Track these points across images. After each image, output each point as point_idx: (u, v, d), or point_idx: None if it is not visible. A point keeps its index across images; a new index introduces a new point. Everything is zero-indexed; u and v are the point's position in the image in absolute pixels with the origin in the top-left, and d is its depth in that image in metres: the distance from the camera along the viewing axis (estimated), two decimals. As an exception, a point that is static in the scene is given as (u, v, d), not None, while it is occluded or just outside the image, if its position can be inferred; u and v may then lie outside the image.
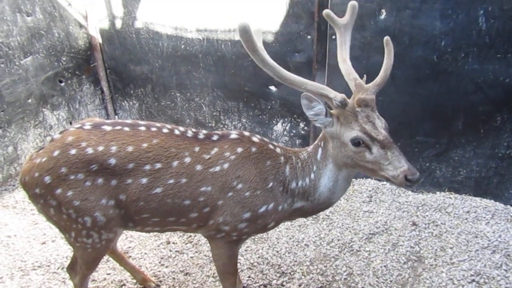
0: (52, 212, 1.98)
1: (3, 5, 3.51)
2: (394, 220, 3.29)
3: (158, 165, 1.93)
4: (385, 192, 3.64)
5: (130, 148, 1.91)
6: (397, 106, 3.45)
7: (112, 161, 1.88)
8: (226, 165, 1.98)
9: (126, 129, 1.97)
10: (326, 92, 1.94)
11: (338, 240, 3.10)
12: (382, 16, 3.22)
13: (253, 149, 2.05)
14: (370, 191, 3.66)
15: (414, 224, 3.23)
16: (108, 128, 1.96)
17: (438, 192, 3.58)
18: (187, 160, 1.97)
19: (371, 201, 3.53)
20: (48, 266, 2.92)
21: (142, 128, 2.00)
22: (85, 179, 1.88)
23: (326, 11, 2.15)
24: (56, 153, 1.88)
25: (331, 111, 1.96)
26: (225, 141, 2.06)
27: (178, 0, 3.91)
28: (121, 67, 4.60)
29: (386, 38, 2.07)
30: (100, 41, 4.59)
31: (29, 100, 3.91)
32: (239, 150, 2.03)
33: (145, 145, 1.94)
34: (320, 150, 2.08)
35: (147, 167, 1.92)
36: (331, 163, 2.03)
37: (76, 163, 1.87)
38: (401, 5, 3.14)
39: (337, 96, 1.91)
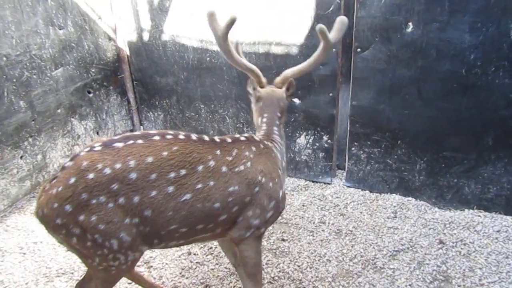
0: (74, 241, 1.91)
1: (37, 19, 3.65)
2: (420, 237, 3.19)
3: (183, 171, 1.95)
4: (410, 208, 3.54)
5: (149, 159, 1.91)
6: (424, 120, 3.38)
7: (133, 175, 1.86)
8: (248, 164, 2.15)
9: (140, 141, 1.96)
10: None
11: (361, 256, 3.02)
12: (409, 29, 3.18)
13: (261, 146, 2.32)
14: (394, 206, 3.57)
15: (441, 242, 3.12)
16: (120, 144, 1.93)
17: (466, 210, 3.46)
18: (212, 163, 2.04)
19: (395, 217, 3.45)
20: (72, 273, 2.96)
21: (156, 138, 2.00)
22: (107, 201, 1.85)
23: (320, 27, 2.32)
24: (72, 180, 1.83)
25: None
26: (239, 142, 2.24)
27: (204, 14, 3.97)
28: (147, 79, 4.70)
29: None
30: (128, 53, 4.71)
31: (59, 110, 4.02)
32: (254, 148, 2.25)
33: (165, 153, 1.94)
34: (280, 125, 2.58)
35: (172, 174, 1.93)
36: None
37: (96, 186, 1.83)
38: (429, 18, 3.09)
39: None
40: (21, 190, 3.76)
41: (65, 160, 4.15)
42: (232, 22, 2.32)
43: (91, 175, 1.83)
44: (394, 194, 3.72)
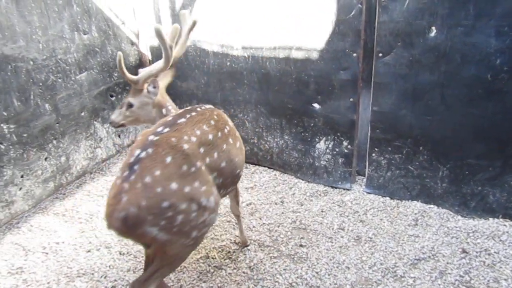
0: (178, 221, 1.96)
1: (63, 24, 3.75)
2: (442, 246, 3.11)
3: (220, 133, 2.45)
4: (432, 216, 3.47)
5: (204, 126, 2.36)
6: (447, 126, 3.31)
7: (210, 136, 2.34)
8: (228, 126, 2.60)
9: (189, 115, 2.41)
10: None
11: (381, 264, 2.97)
12: (432, 34, 3.13)
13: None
14: (416, 214, 3.50)
15: (464, 251, 3.04)
16: (182, 120, 2.32)
17: (491, 219, 3.36)
18: (226, 128, 2.56)
19: (416, 224, 3.38)
20: (92, 274, 3.01)
21: (193, 114, 2.44)
22: (201, 164, 2.17)
23: (157, 27, 2.59)
24: (169, 159, 2.01)
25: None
26: (212, 110, 2.60)
27: (225, 19, 4.01)
28: (168, 84, 4.75)
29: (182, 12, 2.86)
30: (150, 57, 4.78)
31: (82, 113, 4.11)
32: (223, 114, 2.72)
33: (208, 122, 2.43)
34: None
35: (219, 134, 2.44)
36: None
37: (192, 154, 2.12)
38: (453, 23, 3.03)
39: None
40: (45, 191, 3.85)
41: (88, 162, 4.24)
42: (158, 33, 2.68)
43: (185, 146, 2.13)
44: (415, 201, 3.65)
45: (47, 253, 3.25)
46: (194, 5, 4.15)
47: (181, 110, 2.58)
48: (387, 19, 3.24)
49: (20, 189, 3.58)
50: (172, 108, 2.98)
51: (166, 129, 2.20)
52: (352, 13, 3.35)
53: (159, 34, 2.59)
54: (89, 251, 3.25)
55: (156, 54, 4.69)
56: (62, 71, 3.81)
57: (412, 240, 3.20)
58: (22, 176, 3.57)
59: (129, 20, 4.57)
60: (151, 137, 2.12)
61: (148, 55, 4.78)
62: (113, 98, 4.49)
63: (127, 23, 4.53)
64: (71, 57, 3.89)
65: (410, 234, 3.25)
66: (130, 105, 2.91)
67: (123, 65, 2.71)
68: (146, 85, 2.88)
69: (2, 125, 3.31)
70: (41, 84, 3.61)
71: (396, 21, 3.22)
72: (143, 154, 2.00)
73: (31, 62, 3.48)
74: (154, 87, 2.87)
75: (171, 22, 4.37)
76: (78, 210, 3.78)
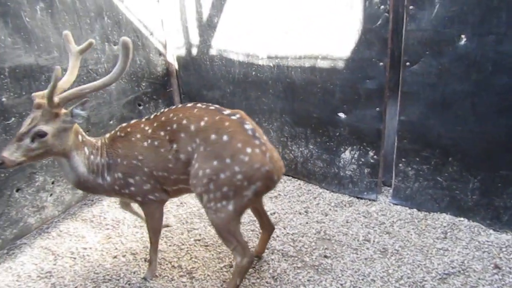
0: None
1: (94, 35, 3.87)
2: (473, 260, 3.01)
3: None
4: (462, 229, 3.36)
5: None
6: (478, 136, 3.21)
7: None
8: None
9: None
10: None
11: (408, 278, 2.89)
12: (462, 42, 3.06)
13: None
14: (445, 226, 3.40)
15: (496, 267, 2.92)
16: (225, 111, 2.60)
17: (525, 233, 3.23)
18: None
19: (446, 237, 3.28)
20: (118, 280, 3.06)
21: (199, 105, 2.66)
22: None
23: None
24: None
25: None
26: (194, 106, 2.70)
27: (250, 29, 4.05)
28: (194, 92, 4.83)
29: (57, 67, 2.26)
30: (177, 67, 4.87)
31: (111, 122, 4.21)
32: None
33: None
34: None
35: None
36: None
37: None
38: (484, 31, 2.96)
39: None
40: (74, 197, 3.95)
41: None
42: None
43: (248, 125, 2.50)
44: (444, 214, 3.54)
45: (75, 258, 3.32)
46: (220, 15, 4.21)
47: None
48: (415, 28, 3.20)
49: (51, 195, 3.68)
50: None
51: (226, 111, 2.59)
52: (379, 22, 3.32)
53: (126, 47, 2.35)
54: (115, 257, 3.30)
55: (183, 64, 4.78)
56: (92, 80, 3.91)
57: (441, 253, 3.10)
58: (53, 183, 3.68)
59: (157, 31, 4.68)
60: (233, 116, 2.53)
61: (175, 65, 4.87)
62: (141, 107, 4.59)
63: (155, 34, 4.64)
64: (101, 67, 4.00)
65: (438, 248, 3.16)
66: (40, 135, 2.33)
67: (56, 82, 2.28)
68: (62, 109, 2.43)
69: (35, 132, 3.43)
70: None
71: (424, 30, 3.17)
72: (249, 126, 2.48)
73: (64, 72, 3.60)
74: (83, 110, 2.43)
75: (198, 32, 4.45)
76: (105, 217, 3.86)
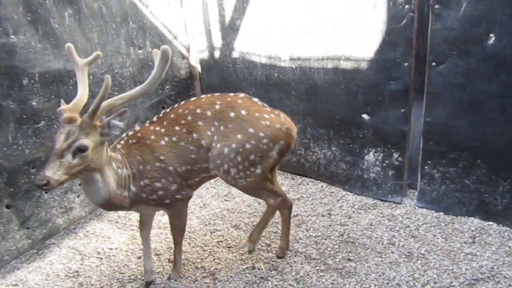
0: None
1: (120, 40, 3.96)
2: (503, 266, 2.91)
3: None
4: (491, 233, 3.26)
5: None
6: (508, 138, 3.12)
7: None
8: None
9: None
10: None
11: (435, 283, 2.82)
12: (490, 41, 2.98)
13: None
14: (473, 231, 3.31)
15: (528, 273, 2.82)
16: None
17: (559, 239, 3.11)
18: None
19: (474, 242, 3.19)
20: (142, 280, 3.10)
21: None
22: None
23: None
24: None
25: None
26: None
27: (273, 31, 4.06)
28: (217, 95, 4.86)
29: (106, 76, 2.21)
30: (200, 70, 4.93)
31: (136, 124, 4.29)
32: None
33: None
34: None
35: None
36: None
37: None
38: (513, 29, 2.87)
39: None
40: (100, 198, 4.04)
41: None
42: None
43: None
44: (472, 218, 3.45)
45: (101, 258, 3.39)
46: (242, 18, 4.23)
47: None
48: (441, 27, 3.13)
49: (78, 196, 3.78)
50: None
51: (231, 94, 2.88)
52: (404, 21, 3.27)
53: (166, 55, 2.35)
54: (139, 257, 3.36)
55: (206, 67, 4.82)
56: (118, 84, 4.01)
57: (469, 258, 3.02)
58: (79, 184, 3.77)
59: (181, 35, 4.74)
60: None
61: (198, 68, 4.92)
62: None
63: (178, 38, 4.71)
64: (126, 71, 4.09)
65: (466, 253, 3.07)
66: (81, 149, 2.19)
67: (107, 90, 2.21)
68: (98, 120, 2.32)
69: (63, 135, 3.53)
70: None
71: (450, 29, 3.10)
72: (257, 99, 2.84)
73: (91, 77, 3.70)
74: (121, 121, 2.33)
75: (220, 35, 4.49)
76: (130, 218, 3.93)
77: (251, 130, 2.62)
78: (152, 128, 2.70)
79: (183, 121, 2.67)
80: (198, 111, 2.69)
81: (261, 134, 2.63)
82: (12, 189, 3.19)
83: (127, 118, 2.34)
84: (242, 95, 2.84)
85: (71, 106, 2.36)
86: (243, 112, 2.66)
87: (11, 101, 3.11)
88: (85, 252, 3.48)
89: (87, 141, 2.21)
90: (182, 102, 2.84)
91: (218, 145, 2.62)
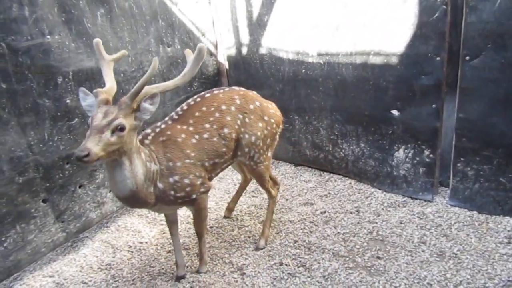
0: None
1: (150, 38, 4.03)
2: (541, 268, 2.81)
3: None
4: (528, 233, 3.14)
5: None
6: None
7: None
8: None
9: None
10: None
11: (468, 283, 2.75)
12: (528, 34, 2.86)
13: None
14: (508, 231, 3.20)
15: None
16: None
17: None
18: None
19: (510, 242, 3.08)
20: (172, 273, 3.17)
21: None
22: None
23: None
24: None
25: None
26: None
27: (300, 27, 4.03)
28: (244, 91, 4.88)
29: (154, 58, 2.32)
30: (227, 67, 4.95)
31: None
32: None
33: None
34: None
35: None
36: None
37: None
38: (554, 20, 2.75)
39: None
40: (131, 193, 4.13)
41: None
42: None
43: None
44: (508, 217, 3.33)
45: (132, 252, 3.48)
46: (270, 14, 4.22)
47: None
48: (476, 20, 3.03)
49: (110, 191, 3.88)
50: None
51: (237, 87, 3.21)
52: (436, 14, 3.18)
53: (201, 52, 2.60)
54: (169, 251, 3.42)
55: (233, 64, 4.84)
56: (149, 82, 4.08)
57: (505, 259, 2.92)
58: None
59: (209, 32, 4.78)
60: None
61: (226, 64, 4.95)
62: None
63: (206, 35, 4.74)
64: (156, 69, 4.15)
65: (502, 253, 2.98)
66: (120, 128, 2.24)
67: (153, 72, 2.31)
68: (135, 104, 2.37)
69: (96, 132, 3.63)
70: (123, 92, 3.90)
71: (486, 22, 2.99)
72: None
73: (122, 75, 3.78)
74: (152, 104, 2.39)
75: (248, 32, 4.50)
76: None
77: (266, 117, 3.06)
78: (179, 126, 2.78)
79: (211, 119, 2.85)
80: (223, 107, 2.91)
81: (272, 120, 3.11)
82: (48, 184, 3.31)
83: (158, 102, 2.38)
84: (237, 88, 3.15)
85: (107, 90, 2.42)
86: (257, 103, 3.06)
87: (46, 99, 3.22)
88: (117, 245, 3.58)
89: (124, 122, 2.25)
90: (198, 99, 2.96)
91: (246, 136, 2.96)
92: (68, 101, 3.36)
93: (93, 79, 3.54)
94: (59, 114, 3.32)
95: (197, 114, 2.84)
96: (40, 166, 3.23)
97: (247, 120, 2.97)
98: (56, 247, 3.51)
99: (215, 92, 3.02)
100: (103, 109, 2.27)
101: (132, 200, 2.50)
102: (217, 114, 2.87)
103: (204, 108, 2.88)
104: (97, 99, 2.34)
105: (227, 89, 3.10)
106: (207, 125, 2.82)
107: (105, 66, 2.60)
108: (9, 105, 2.98)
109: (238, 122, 2.93)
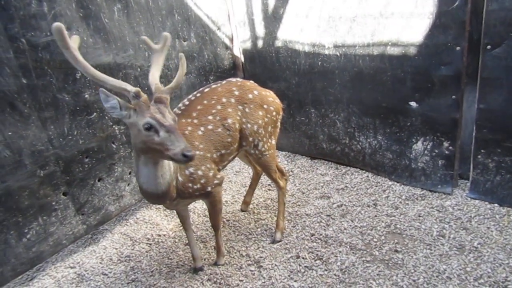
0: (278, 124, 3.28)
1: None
2: None
3: None
4: (552, 227, 3.06)
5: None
6: None
7: None
8: None
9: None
10: (125, 86, 2.27)
11: (489, 277, 2.70)
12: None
13: None
14: (531, 224, 3.13)
15: None
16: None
17: None
18: None
19: (533, 236, 3.01)
20: (190, 265, 3.20)
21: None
22: None
23: (143, 38, 2.65)
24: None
25: (130, 104, 2.27)
26: None
27: (316, 19, 3.99)
28: (260, 84, 4.85)
29: (180, 54, 2.45)
30: (243, 60, 4.95)
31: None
32: None
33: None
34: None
35: None
36: (134, 151, 2.40)
37: None
38: None
39: (132, 89, 2.25)
40: (149, 186, 4.18)
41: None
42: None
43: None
44: (530, 210, 3.26)
45: (150, 244, 3.53)
46: (285, 6, 4.19)
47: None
48: (497, 8, 2.95)
49: (128, 184, 3.94)
50: None
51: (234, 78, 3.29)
52: (456, 3, 3.11)
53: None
54: (186, 244, 3.46)
55: (249, 57, 4.84)
56: (164, 76, 4.11)
57: (527, 252, 2.86)
58: (130, 173, 3.93)
59: (225, 25, 4.78)
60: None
61: (241, 58, 4.95)
62: (209, 100, 4.73)
63: (222, 28, 4.75)
64: (172, 63, 4.18)
65: (524, 246, 2.91)
66: None
67: (184, 71, 2.41)
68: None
69: (114, 126, 3.68)
70: (146, 88, 3.93)
71: (508, 9, 2.91)
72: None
73: (139, 69, 3.82)
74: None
75: (263, 25, 4.48)
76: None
77: (265, 106, 3.11)
78: (184, 120, 2.81)
79: (213, 111, 2.91)
80: (224, 100, 2.97)
81: (272, 108, 3.16)
82: (68, 178, 3.38)
83: None
84: (234, 79, 3.22)
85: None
86: (255, 92, 3.11)
87: (66, 94, 3.27)
88: (135, 238, 3.64)
89: None
90: (198, 94, 3.02)
91: (249, 125, 3.02)
92: (86, 95, 3.41)
93: (110, 74, 3.57)
94: (78, 108, 3.37)
95: (199, 107, 2.90)
96: (60, 159, 3.30)
97: (247, 110, 3.02)
98: (77, 239, 3.58)
99: (213, 86, 3.08)
100: (167, 108, 2.29)
101: (162, 195, 2.51)
102: (218, 107, 2.93)
103: (205, 102, 2.94)
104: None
105: (224, 82, 3.15)
106: (210, 117, 2.87)
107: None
108: (30, 100, 3.04)
109: (239, 113, 2.99)
